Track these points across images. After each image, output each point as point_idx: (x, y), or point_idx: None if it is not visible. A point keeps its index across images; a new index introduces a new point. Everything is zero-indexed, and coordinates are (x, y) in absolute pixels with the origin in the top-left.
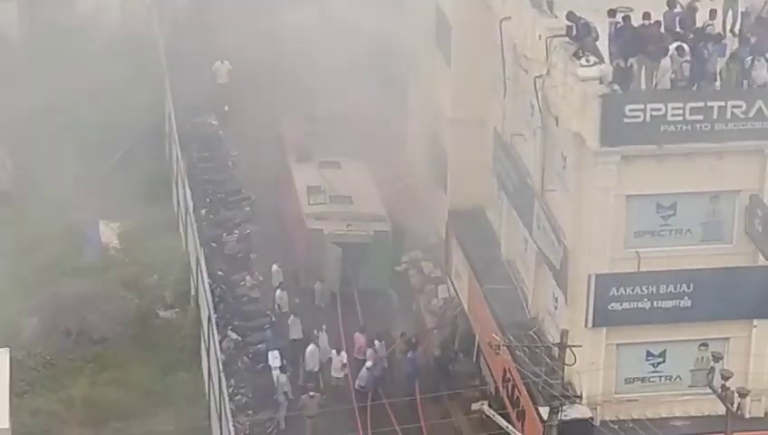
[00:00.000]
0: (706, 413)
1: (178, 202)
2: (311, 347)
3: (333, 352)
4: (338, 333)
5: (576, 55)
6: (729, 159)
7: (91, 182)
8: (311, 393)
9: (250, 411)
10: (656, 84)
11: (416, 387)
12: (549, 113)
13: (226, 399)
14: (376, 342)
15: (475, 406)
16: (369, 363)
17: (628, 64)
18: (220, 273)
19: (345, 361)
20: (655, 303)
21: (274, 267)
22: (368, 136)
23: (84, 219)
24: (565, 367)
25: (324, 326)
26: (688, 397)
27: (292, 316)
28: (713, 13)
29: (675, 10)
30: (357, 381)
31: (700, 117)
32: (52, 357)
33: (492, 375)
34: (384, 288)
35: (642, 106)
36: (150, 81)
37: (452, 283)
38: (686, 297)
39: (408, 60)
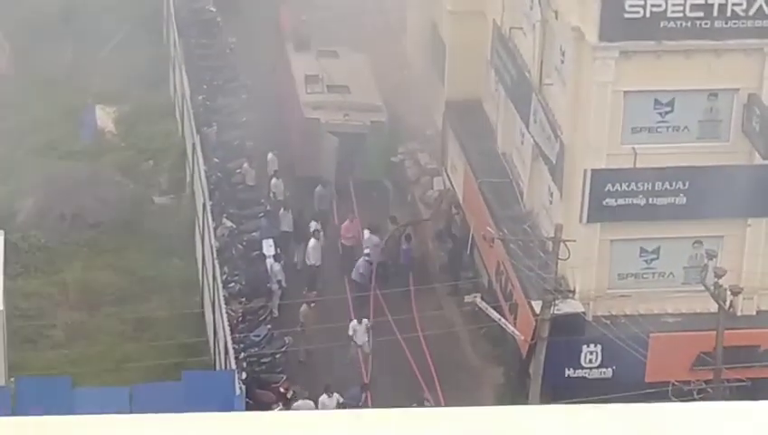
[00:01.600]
0: (698, 310)
1: (175, 88)
2: (312, 242)
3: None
4: (332, 222)
5: None
6: (728, 57)
7: (89, 66)
8: (311, 303)
9: (243, 299)
10: None
11: (409, 278)
12: (548, 7)
13: (220, 286)
14: (366, 232)
15: (467, 298)
16: (366, 251)
17: None
18: (216, 160)
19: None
20: (650, 199)
21: (270, 156)
22: (366, 26)
23: (81, 103)
24: (559, 261)
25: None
26: (681, 294)
27: (282, 209)
28: None
29: None
30: (354, 271)
31: (700, 14)
32: (47, 240)
33: (485, 268)
34: (380, 178)
35: (642, 1)
36: None
37: (447, 175)
38: (681, 194)
39: None
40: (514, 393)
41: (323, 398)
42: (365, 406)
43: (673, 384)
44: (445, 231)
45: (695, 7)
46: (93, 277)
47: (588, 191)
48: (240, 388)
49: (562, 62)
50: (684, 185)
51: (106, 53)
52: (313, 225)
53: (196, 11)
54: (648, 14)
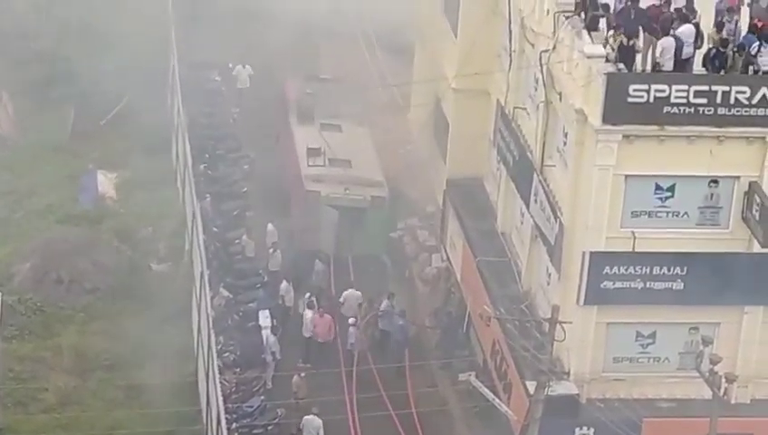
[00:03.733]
0: (693, 396)
1: (177, 156)
2: (309, 313)
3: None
4: (329, 296)
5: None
6: (730, 145)
7: (91, 131)
8: (301, 374)
9: (237, 369)
10: (655, 64)
11: (405, 354)
12: (553, 88)
13: (215, 356)
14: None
15: (462, 376)
16: (351, 320)
17: (631, 43)
18: (215, 229)
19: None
20: (648, 284)
21: (269, 227)
22: (371, 101)
23: (82, 167)
24: (554, 343)
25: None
26: (676, 379)
27: (284, 282)
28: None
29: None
30: (348, 340)
31: (704, 100)
32: (43, 304)
33: (481, 347)
34: (378, 253)
35: (646, 86)
36: (156, 32)
37: (446, 252)
38: (679, 280)
39: (414, 27)
40: None
41: None
42: None
43: None
44: (441, 308)
45: (698, 94)
46: (88, 343)
47: (586, 273)
48: None
49: (565, 143)
50: (682, 270)
51: (109, 118)
52: (307, 296)
53: (201, 80)
54: (651, 99)
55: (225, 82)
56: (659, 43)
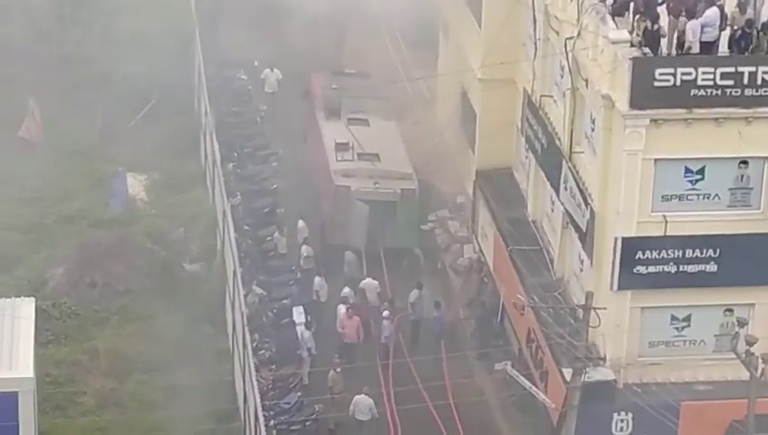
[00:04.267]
0: (730, 378)
1: (206, 156)
2: (342, 308)
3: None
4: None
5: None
6: (758, 125)
7: (120, 134)
8: (337, 369)
9: (273, 366)
10: (686, 47)
11: (441, 346)
12: (579, 75)
13: (250, 353)
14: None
15: (498, 366)
16: (386, 313)
17: (656, 27)
18: (246, 227)
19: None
20: (681, 267)
21: (300, 223)
22: (397, 94)
23: (112, 171)
24: (589, 329)
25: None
26: (712, 362)
27: (318, 278)
28: None
29: None
30: (382, 334)
31: (730, 82)
32: (78, 308)
33: (516, 336)
34: (410, 246)
35: (672, 70)
36: (181, 33)
37: (478, 242)
38: (712, 262)
39: (438, 19)
40: None
41: None
42: None
43: None
44: (475, 299)
45: (725, 75)
46: (124, 345)
47: (618, 259)
48: None
49: (593, 129)
50: (714, 253)
51: (137, 121)
52: (345, 291)
53: (228, 79)
54: (678, 83)
55: (252, 81)
56: (688, 26)
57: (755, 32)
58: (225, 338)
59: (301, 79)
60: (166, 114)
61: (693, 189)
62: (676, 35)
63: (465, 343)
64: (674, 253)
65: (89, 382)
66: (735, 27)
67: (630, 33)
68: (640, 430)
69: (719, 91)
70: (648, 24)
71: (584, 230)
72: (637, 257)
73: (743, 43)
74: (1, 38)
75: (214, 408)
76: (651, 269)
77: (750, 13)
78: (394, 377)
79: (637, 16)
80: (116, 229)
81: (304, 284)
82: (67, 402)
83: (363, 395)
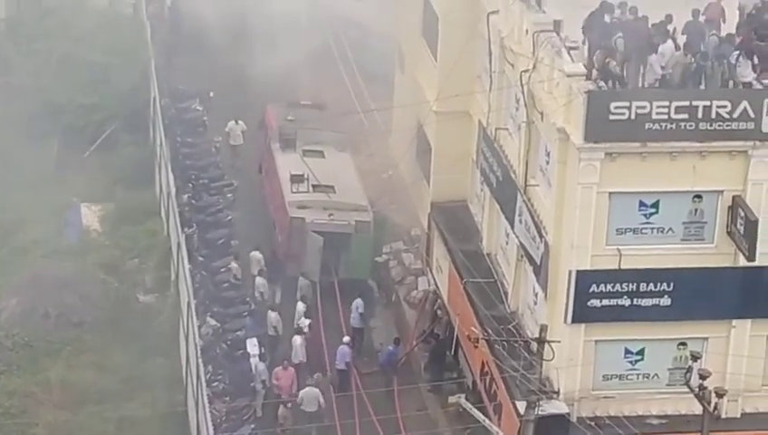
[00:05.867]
0: (683, 412)
1: (161, 187)
2: (299, 339)
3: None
4: (317, 323)
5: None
6: (712, 159)
7: (74, 164)
8: (288, 404)
9: (227, 398)
10: (653, 79)
11: (394, 379)
12: (534, 108)
13: (204, 385)
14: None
15: (452, 399)
16: (346, 339)
17: (607, 61)
18: (201, 258)
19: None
20: (634, 300)
21: (254, 254)
22: (352, 126)
23: (66, 201)
24: (543, 362)
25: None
26: (666, 395)
27: (270, 312)
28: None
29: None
30: (338, 359)
31: (685, 116)
32: (31, 339)
33: (470, 368)
34: (364, 278)
35: (627, 103)
36: (136, 63)
37: (432, 275)
38: (665, 296)
39: (393, 51)
40: None
41: None
42: None
43: None
44: (429, 331)
45: (679, 109)
46: (77, 376)
47: (572, 292)
48: None
49: (548, 162)
50: (668, 286)
51: (92, 152)
52: (300, 321)
53: (182, 109)
54: (633, 116)
55: (207, 111)
56: (651, 59)
57: (709, 63)
58: (178, 369)
59: (256, 110)
60: (121, 145)
61: (647, 223)
62: (641, 70)
63: (418, 376)
64: (628, 286)
65: (41, 414)
66: (690, 61)
67: (586, 67)
68: None
69: (674, 125)
70: (604, 58)
71: (538, 263)
72: (591, 291)
73: (696, 76)
74: None
75: None
76: (605, 302)
77: (706, 42)
78: (348, 408)
79: (597, 51)
80: (70, 260)
81: (258, 315)
82: (19, 434)
83: (309, 387)
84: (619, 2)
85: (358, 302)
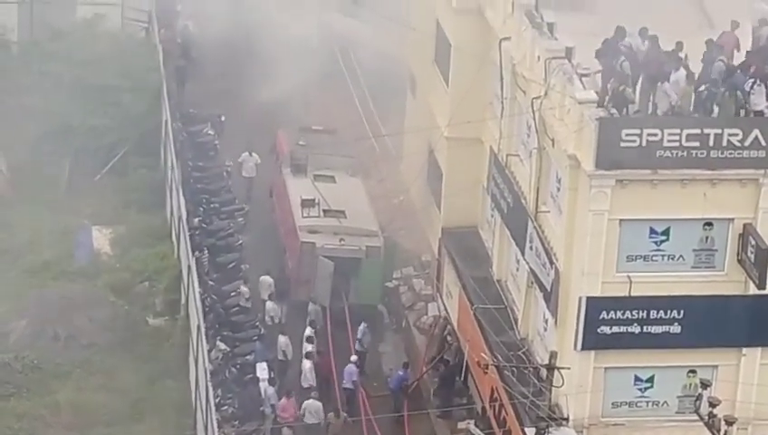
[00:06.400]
0: None
1: (171, 210)
2: (308, 364)
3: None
4: (327, 347)
5: None
6: (723, 187)
7: (85, 187)
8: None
9: (236, 422)
10: (654, 109)
11: (404, 403)
12: (545, 135)
13: (213, 409)
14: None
15: (461, 425)
16: (353, 358)
17: (621, 89)
18: (211, 282)
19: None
20: (645, 328)
21: (264, 279)
22: (364, 151)
23: (77, 224)
24: (553, 389)
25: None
26: (675, 423)
27: (280, 336)
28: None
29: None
30: (345, 378)
31: (696, 143)
32: (40, 361)
33: (479, 394)
34: (374, 304)
35: (639, 131)
36: (149, 87)
37: (443, 301)
38: (675, 323)
39: (405, 77)
40: None
41: None
42: None
43: None
44: (439, 357)
45: (691, 137)
46: (86, 398)
47: (582, 319)
48: None
49: (558, 189)
50: (679, 314)
51: (103, 174)
52: (308, 347)
53: (194, 133)
54: (644, 144)
55: (218, 136)
56: (665, 87)
57: (721, 92)
58: (187, 393)
59: (267, 134)
60: (132, 168)
61: (657, 250)
62: (651, 98)
63: (428, 402)
64: (638, 313)
65: None
66: (702, 89)
67: (599, 94)
68: None
69: (685, 153)
70: (620, 85)
71: (549, 290)
72: (601, 317)
73: (708, 104)
74: None
75: None
76: (615, 329)
77: (718, 70)
78: (356, 433)
79: (611, 79)
80: (80, 282)
81: (268, 340)
82: None
83: (312, 399)
84: (640, 29)
85: (362, 327)
